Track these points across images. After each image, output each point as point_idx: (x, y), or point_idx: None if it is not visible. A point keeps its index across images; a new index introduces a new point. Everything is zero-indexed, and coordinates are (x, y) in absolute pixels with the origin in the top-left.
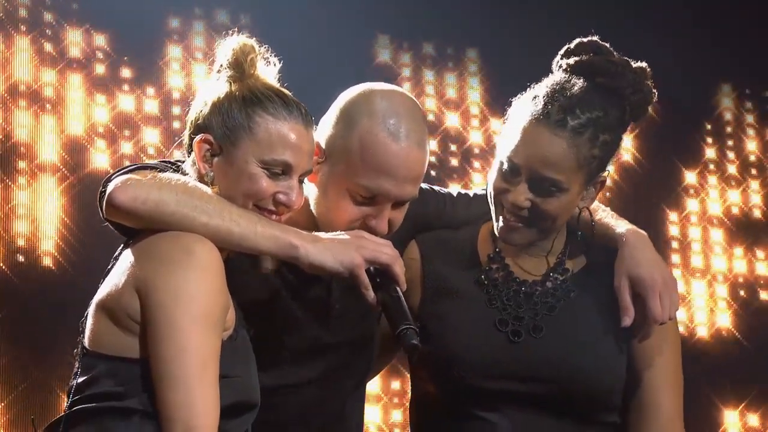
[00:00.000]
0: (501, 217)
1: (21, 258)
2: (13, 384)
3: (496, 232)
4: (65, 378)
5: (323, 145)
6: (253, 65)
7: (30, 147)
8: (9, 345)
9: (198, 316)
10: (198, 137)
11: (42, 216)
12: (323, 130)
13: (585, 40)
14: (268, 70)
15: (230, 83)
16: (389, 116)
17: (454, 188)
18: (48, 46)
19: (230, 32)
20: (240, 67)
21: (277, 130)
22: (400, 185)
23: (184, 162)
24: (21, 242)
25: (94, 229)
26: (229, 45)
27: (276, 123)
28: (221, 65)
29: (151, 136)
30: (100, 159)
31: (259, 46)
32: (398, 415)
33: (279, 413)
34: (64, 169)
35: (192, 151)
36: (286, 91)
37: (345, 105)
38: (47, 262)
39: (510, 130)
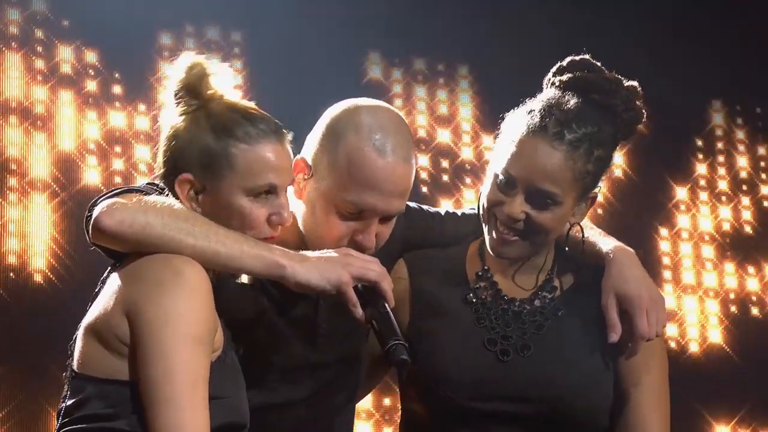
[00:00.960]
0: (494, 230)
1: (12, 275)
2: (2, 404)
3: (488, 246)
4: (56, 398)
5: (310, 162)
6: (208, 86)
7: (21, 163)
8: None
9: (187, 337)
10: (178, 179)
11: (33, 232)
12: (309, 147)
13: (577, 57)
14: (222, 82)
15: (193, 113)
16: (375, 131)
17: (444, 206)
18: (39, 63)
19: (214, 47)
20: (196, 92)
21: (255, 157)
22: (386, 200)
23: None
24: (12, 259)
25: (86, 247)
26: (180, 69)
27: (252, 150)
28: (178, 92)
29: (143, 153)
30: (91, 175)
31: (207, 59)
32: None
33: None
34: (54, 186)
35: (171, 188)
36: (251, 106)
37: (330, 121)
38: (38, 279)
39: (505, 143)
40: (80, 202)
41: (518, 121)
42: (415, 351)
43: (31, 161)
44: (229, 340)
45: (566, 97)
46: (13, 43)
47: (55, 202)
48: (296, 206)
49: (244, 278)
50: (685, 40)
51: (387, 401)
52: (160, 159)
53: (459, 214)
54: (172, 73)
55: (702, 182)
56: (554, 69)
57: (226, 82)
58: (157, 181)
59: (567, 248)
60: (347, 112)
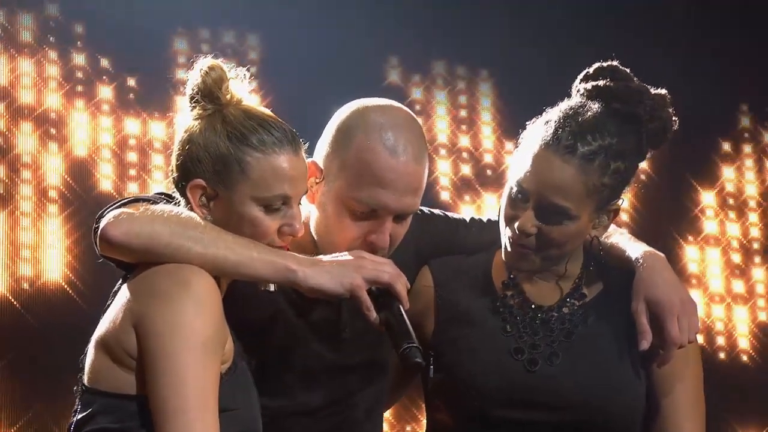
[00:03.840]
0: (508, 243)
1: (26, 286)
2: (16, 416)
3: (503, 257)
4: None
5: (321, 165)
6: (227, 91)
7: (35, 171)
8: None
9: (195, 348)
10: (189, 184)
11: (47, 242)
12: (320, 150)
13: (604, 64)
14: (241, 87)
15: (209, 117)
16: (385, 130)
17: (465, 212)
18: (53, 69)
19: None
20: (214, 96)
21: (269, 167)
22: (399, 198)
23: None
24: (26, 270)
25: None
26: (198, 72)
27: (267, 159)
28: (194, 96)
29: (158, 160)
30: (105, 183)
31: (227, 64)
32: None
33: None
34: (68, 194)
35: (183, 193)
36: (268, 114)
37: (340, 123)
38: (53, 289)
39: (521, 155)
40: (94, 210)
41: (535, 132)
42: (441, 360)
43: (45, 169)
44: (240, 352)
45: (586, 107)
46: (26, 50)
47: (68, 211)
48: (309, 210)
49: (272, 286)
50: (712, 44)
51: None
52: (173, 163)
53: (484, 221)
54: (190, 76)
55: (729, 186)
56: (581, 76)
57: (244, 87)
58: (167, 190)
59: (592, 262)
60: (356, 112)
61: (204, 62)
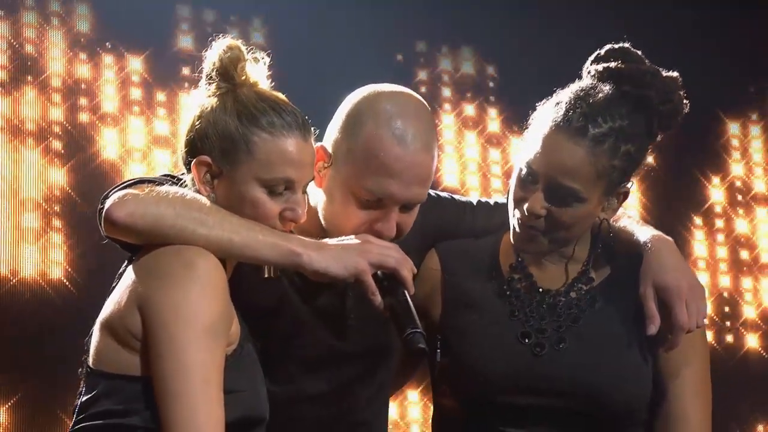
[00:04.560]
0: (517, 225)
1: (31, 271)
2: (12, 400)
3: (512, 239)
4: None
5: (329, 150)
6: (242, 72)
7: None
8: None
9: (199, 330)
10: (195, 160)
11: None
12: (329, 135)
13: (616, 46)
14: (257, 70)
15: (222, 96)
16: (395, 119)
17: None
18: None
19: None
20: (229, 76)
21: (276, 148)
22: (406, 188)
23: (184, 174)
24: (32, 257)
25: (102, 247)
26: (216, 51)
27: (274, 140)
28: (210, 73)
29: (163, 157)
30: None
31: (246, 46)
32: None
33: (298, 426)
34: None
35: (190, 170)
36: (280, 98)
37: (350, 109)
38: (57, 275)
39: (531, 136)
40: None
41: (545, 113)
42: (447, 344)
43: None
44: (247, 333)
45: (597, 89)
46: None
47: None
48: (316, 195)
49: (270, 270)
50: (718, 32)
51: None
52: (183, 138)
53: (491, 203)
54: (208, 54)
55: (738, 183)
56: (592, 57)
57: (261, 70)
58: (172, 173)
59: (600, 245)
60: (367, 99)
61: (223, 41)
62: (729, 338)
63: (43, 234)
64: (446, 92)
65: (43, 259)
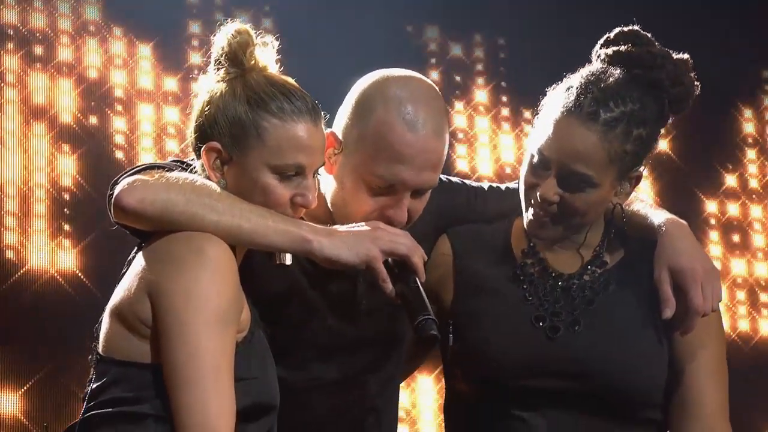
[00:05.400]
0: (530, 211)
1: (40, 259)
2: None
3: (525, 226)
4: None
5: (340, 136)
6: (251, 57)
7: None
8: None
9: (210, 317)
10: (205, 146)
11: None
12: (339, 121)
13: (625, 29)
14: (266, 55)
15: (231, 81)
16: (405, 104)
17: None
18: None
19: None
20: (238, 61)
21: (286, 134)
22: (418, 173)
23: (194, 160)
24: (40, 243)
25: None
26: (225, 36)
27: (284, 126)
28: (218, 58)
29: (171, 145)
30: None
31: (255, 30)
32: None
33: (309, 413)
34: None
35: (199, 156)
36: (290, 82)
37: (360, 94)
38: (67, 262)
39: (542, 122)
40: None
41: (556, 98)
42: (460, 329)
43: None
44: (257, 320)
45: (607, 73)
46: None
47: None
48: (327, 181)
49: (288, 259)
50: (730, 12)
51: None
52: (191, 124)
53: (503, 188)
54: (217, 38)
55: (752, 168)
56: (601, 41)
57: (270, 55)
58: (182, 159)
59: (613, 229)
60: (376, 84)
61: (231, 26)
62: (744, 324)
63: (53, 221)
64: (457, 78)
65: (53, 247)
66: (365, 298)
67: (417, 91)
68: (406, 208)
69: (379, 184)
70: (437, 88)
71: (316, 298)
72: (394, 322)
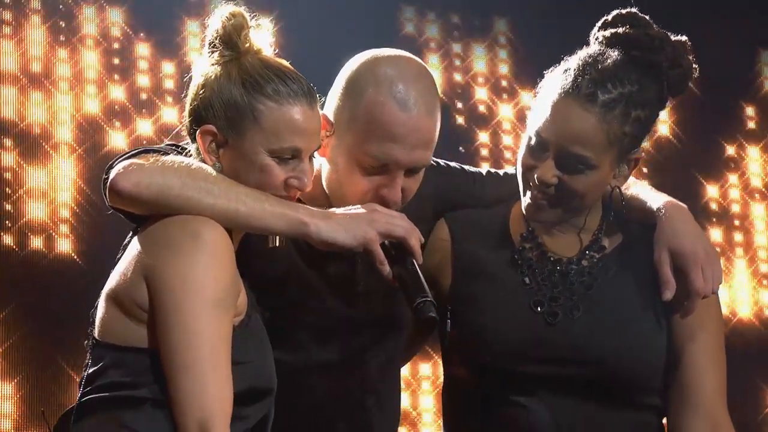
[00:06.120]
0: (528, 194)
1: (36, 242)
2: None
3: (523, 209)
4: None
5: (331, 118)
6: (246, 39)
7: (45, 127)
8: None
9: (207, 301)
10: (200, 129)
11: (58, 198)
12: (330, 103)
13: (623, 11)
14: (261, 37)
15: (226, 64)
16: (396, 83)
17: (482, 167)
18: (62, 24)
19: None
20: (233, 43)
21: (282, 117)
22: (410, 152)
23: (188, 144)
24: (36, 225)
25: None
26: (219, 18)
27: (280, 109)
28: (213, 41)
29: (170, 115)
30: (117, 139)
31: (249, 12)
32: (429, 401)
33: (307, 396)
34: (80, 150)
35: (194, 139)
36: (285, 65)
37: (350, 75)
38: (64, 246)
39: (540, 104)
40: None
41: (554, 81)
42: (458, 314)
43: (55, 125)
44: (254, 303)
45: (605, 55)
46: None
47: (79, 168)
48: (321, 164)
49: (276, 239)
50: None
51: (425, 369)
52: (187, 107)
53: (501, 174)
54: (211, 21)
55: (751, 142)
56: (599, 23)
57: (265, 38)
58: (177, 143)
59: (612, 212)
60: (366, 64)
61: (225, 8)
62: None
63: (50, 205)
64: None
65: (51, 232)
66: (363, 280)
67: (407, 69)
68: (399, 187)
69: (372, 163)
70: (427, 67)
71: (313, 281)
72: (392, 305)
